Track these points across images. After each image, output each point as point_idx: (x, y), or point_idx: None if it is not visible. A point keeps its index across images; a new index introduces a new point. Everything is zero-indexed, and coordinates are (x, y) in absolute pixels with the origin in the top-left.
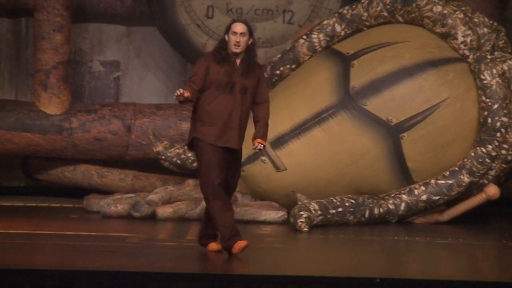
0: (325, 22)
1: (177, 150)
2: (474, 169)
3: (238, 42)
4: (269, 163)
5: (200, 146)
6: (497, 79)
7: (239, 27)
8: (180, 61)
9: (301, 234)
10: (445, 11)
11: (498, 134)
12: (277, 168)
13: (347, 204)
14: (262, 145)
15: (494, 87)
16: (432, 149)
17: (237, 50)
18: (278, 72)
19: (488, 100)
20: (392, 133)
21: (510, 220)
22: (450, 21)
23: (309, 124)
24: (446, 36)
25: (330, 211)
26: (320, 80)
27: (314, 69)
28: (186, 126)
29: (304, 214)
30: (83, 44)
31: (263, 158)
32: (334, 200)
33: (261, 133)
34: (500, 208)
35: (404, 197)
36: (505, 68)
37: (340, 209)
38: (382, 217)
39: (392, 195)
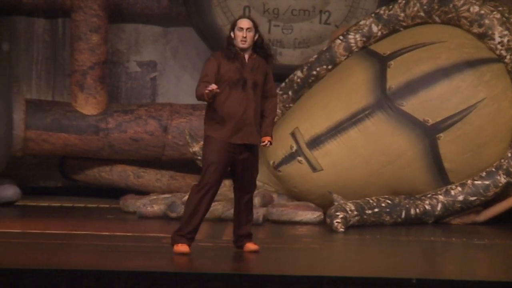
0: (361, 22)
1: None
2: (511, 169)
3: (245, 37)
4: (306, 163)
5: (209, 144)
6: None
7: (245, 23)
8: None
9: (337, 234)
10: (482, 12)
11: None
12: (314, 169)
13: (383, 204)
14: (270, 143)
15: None
16: (469, 149)
17: (244, 46)
18: (314, 72)
19: None
20: (429, 133)
21: None
22: (487, 21)
23: (346, 124)
24: (483, 37)
25: (367, 212)
26: (357, 80)
27: (351, 70)
28: None
29: (340, 214)
30: (120, 45)
31: (299, 158)
32: (371, 201)
33: (271, 130)
34: None
35: (441, 197)
36: None
37: (376, 210)
38: (418, 218)
39: (429, 195)
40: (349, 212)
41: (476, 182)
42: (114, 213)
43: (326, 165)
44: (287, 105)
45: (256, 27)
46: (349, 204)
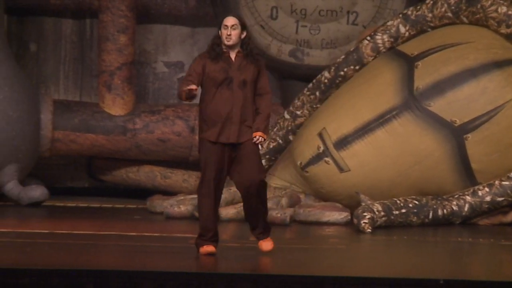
0: (389, 23)
1: None
2: None
3: (229, 35)
4: (333, 164)
5: (201, 146)
6: None
7: (229, 20)
8: None
9: (364, 235)
10: (510, 12)
11: None
12: (341, 169)
13: (410, 205)
14: (262, 139)
15: None
16: (497, 150)
17: (229, 43)
18: (342, 73)
19: None
20: (456, 134)
21: None
22: None
23: (373, 125)
24: (511, 37)
25: (394, 212)
26: (384, 81)
27: (378, 70)
28: None
29: (368, 215)
30: (147, 45)
31: (326, 159)
32: (398, 201)
33: (263, 126)
34: None
35: (468, 198)
36: None
37: (403, 210)
38: (446, 218)
39: (456, 196)
40: (376, 212)
41: (503, 182)
42: (141, 214)
43: (353, 166)
44: (314, 106)
45: (242, 25)
46: (376, 204)
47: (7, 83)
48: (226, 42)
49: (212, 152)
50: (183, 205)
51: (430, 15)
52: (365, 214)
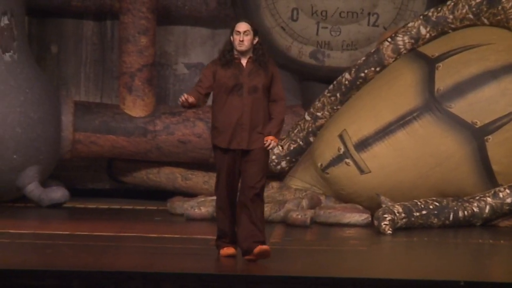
0: (410, 24)
1: None
2: None
3: (242, 40)
4: (353, 165)
5: (214, 153)
6: None
7: (242, 26)
8: None
9: (385, 236)
10: None
11: None
12: (361, 171)
13: (431, 206)
14: (274, 143)
15: None
16: None
17: (242, 48)
18: (362, 74)
19: None
20: (477, 135)
21: None
22: None
23: (394, 126)
24: None
25: (414, 214)
26: (405, 82)
27: (399, 72)
28: None
29: (388, 216)
30: (168, 47)
31: (347, 160)
32: (418, 203)
33: (275, 130)
34: None
35: (489, 200)
36: None
37: (424, 212)
38: (466, 220)
39: (477, 198)
40: (397, 214)
41: None
42: (162, 215)
43: (374, 167)
44: (335, 107)
45: (255, 31)
46: (396, 206)
47: (28, 85)
48: (238, 48)
49: (223, 159)
50: (204, 206)
51: (451, 16)
52: (385, 215)
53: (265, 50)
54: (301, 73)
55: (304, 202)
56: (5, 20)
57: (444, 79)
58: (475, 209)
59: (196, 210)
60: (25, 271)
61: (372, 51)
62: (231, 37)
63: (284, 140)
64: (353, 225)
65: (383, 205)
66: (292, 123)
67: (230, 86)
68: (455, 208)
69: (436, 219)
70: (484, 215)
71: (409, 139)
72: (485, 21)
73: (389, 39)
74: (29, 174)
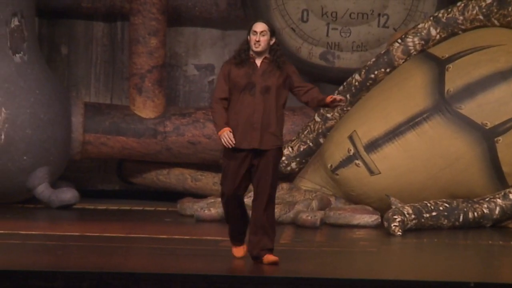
0: (420, 25)
1: None
2: None
3: (258, 41)
4: (363, 167)
5: (224, 152)
6: None
7: (259, 26)
8: None
9: (394, 238)
10: None
11: None
12: (371, 172)
13: (441, 208)
14: (336, 98)
15: None
16: None
17: (258, 49)
18: (372, 76)
19: None
20: (487, 137)
21: None
22: None
23: (403, 128)
24: None
25: (424, 215)
26: (415, 84)
27: (409, 73)
28: None
29: (398, 218)
30: (178, 48)
31: (357, 162)
32: (428, 204)
33: (326, 95)
34: None
35: (499, 201)
36: None
37: (434, 213)
38: (476, 221)
39: (487, 199)
40: (407, 215)
41: None
42: (172, 216)
43: (384, 169)
44: (345, 109)
45: (272, 31)
46: (406, 207)
47: (38, 86)
48: (254, 48)
49: (232, 159)
50: (214, 207)
51: (461, 17)
52: (395, 217)
53: (281, 51)
54: (311, 74)
55: (314, 203)
56: (15, 21)
57: (454, 80)
58: (485, 211)
59: (206, 211)
60: (35, 272)
61: (382, 52)
62: (248, 37)
63: (294, 142)
64: (363, 227)
65: (393, 207)
66: (302, 124)
67: (242, 85)
68: (465, 209)
69: (446, 221)
70: (494, 217)
71: (419, 140)
72: (495, 22)
73: (399, 40)
74: (39, 175)
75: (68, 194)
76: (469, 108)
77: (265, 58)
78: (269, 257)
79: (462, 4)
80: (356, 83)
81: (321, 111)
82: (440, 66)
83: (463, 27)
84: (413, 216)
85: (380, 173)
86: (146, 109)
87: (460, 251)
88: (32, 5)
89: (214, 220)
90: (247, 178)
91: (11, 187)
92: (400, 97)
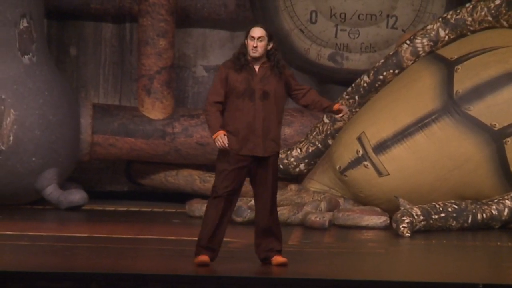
0: (428, 27)
1: (279, 155)
2: None
3: (256, 47)
4: (372, 168)
5: (219, 156)
6: None
7: (256, 32)
8: None
9: (403, 239)
10: None
11: None
12: (380, 173)
13: (449, 209)
14: (343, 109)
15: None
16: None
17: (255, 55)
18: (381, 77)
19: None
20: (496, 138)
21: None
22: None
23: (412, 129)
24: None
25: (433, 217)
26: (424, 85)
27: (418, 74)
28: (288, 131)
29: (407, 219)
30: (186, 49)
31: (365, 163)
32: (437, 206)
33: (332, 101)
34: None
35: (508, 202)
36: None
37: (442, 215)
38: (485, 223)
39: (496, 200)
40: (415, 217)
41: None
42: (180, 218)
43: (392, 170)
44: (353, 110)
45: (269, 36)
46: (415, 209)
47: (47, 87)
48: (251, 54)
49: (231, 163)
50: None
51: (469, 19)
52: (404, 218)
53: (279, 56)
54: (319, 75)
55: (323, 205)
56: (24, 23)
57: (463, 81)
58: (494, 212)
59: None
60: (43, 273)
61: (390, 53)
62: (246, 41)
63: (303, 143)
64: (371, 228)
65: (402, 208)
66: (311, 125)
67: (241, 90)
68: (474, 210)
69: (454, 222)
70: (503, 218)
71: (428, 141)
72: (504, 23)
73: (407, 42)
74: (48, 177)
75: (76, 195)
76: (478, 109)
77: (263, 63)
78: (278, 259)
79: (471, 6)
80: (365, 85)
81: None
82: (448, 67)
83: (471, 28)
84: (421, 217)
85: (388, 174)
86: (155, 110)
87: (469, 253)
88: (41, 6)
89: None
90: (242, 182)
91: (19, 188)
92: (408, 98)
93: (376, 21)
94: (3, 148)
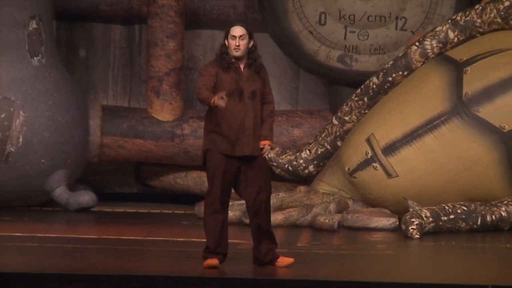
0: (438, 28)
1: (288, 157)
2: None
3: (238, 45)
4: (381, 170)
5: (210, 157)
6: None
7: (237, 30)
8: (292, 67)
9: (412, 241)
10: None
11: None
12: (389, 175)
13: (459, 211)
14: (269, 147)
15: None
16: None
17: (238, 54)
18: (390, 79)
19: None
20: (505, 140)
21: None
22: None
23: (421, 131)
24: None
25: (442, 218)
26: (433, 86)
27: (427, 76)
28: (298, 132)
29: (416, 221)
30: (195, 51)
31: (374, 165)
32: (446, 207)
33: (270, 134)
34: None
35: None
36: None
37: (452, 216)
38: (494, 225)
39: (505, 202)
40: (425, 218)
41: None
42: (189, 219)
43: (402, 172)
44: (362, 112)
45: (250, 34)
46: (424, 210)
47: (56, 89)
48: (234, 53)
49: (221, 165)
50: (231, 210)
51: (479, 20)
52: (413, 220)
53: (258, 53)
54: (328, 77)
55: (332, 206)
56: (33, 24)
57: (472, 83)
58: (503, 214)
59: None
60: (53, 275)
61: (400, 55)
62: (226, 41)
63: (312, 144)
64: (380, 229)
65: (411, 209)
66: (320, 127)
67: (231, 90)
68: (483, 212)
69: (464, 224)
70: None
71: (437, 143)
72: None
73: (417, 43)
74: (57, 178)
75: (86, 197)
76: (487, 111)
77: (247, 62)
78: (283, 260)
79: (480, 7)
80: (374, 86)
81: (339, 114)
82: (458, 69)
83: (481, 30)
84: (431, 219)
85: (397, 176)
86: (164, 112)
87: (478, 254)
88: (50, 8)
89: (232, 223)
90: (231, 184)
91: (29, 190)
92: (418, 100)
93: (385, 23)
94: (12, 150)
